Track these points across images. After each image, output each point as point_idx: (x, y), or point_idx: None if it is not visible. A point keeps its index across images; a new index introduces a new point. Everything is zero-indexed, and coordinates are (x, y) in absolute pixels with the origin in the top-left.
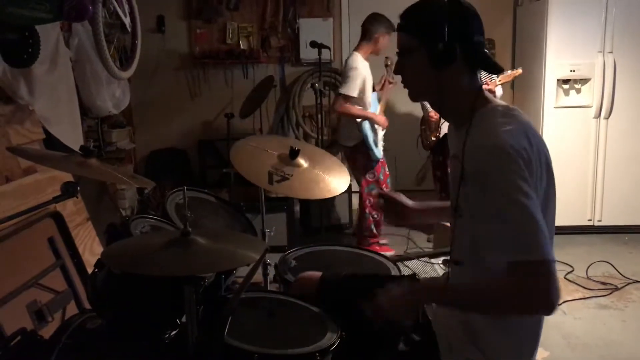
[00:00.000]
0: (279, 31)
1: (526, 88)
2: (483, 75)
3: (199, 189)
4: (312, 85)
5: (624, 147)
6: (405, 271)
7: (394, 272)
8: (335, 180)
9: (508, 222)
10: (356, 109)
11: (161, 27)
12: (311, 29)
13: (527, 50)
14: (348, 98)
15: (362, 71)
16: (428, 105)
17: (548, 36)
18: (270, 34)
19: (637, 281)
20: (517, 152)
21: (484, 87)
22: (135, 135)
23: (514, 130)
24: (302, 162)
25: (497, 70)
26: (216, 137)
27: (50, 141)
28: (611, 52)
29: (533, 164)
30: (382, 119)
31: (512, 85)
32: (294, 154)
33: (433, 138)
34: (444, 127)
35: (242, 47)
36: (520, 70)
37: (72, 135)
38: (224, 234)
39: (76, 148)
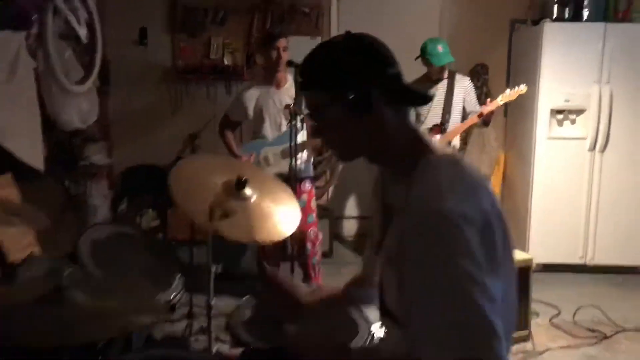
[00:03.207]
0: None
1: (519, 117)
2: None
3: (125, 223)
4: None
5: (619, 182)
6: None
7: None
8: (285, 218)
9: (446, 311)
10: (227, 136)
11: (143, 39)
12: (298, 47)
13: (522, 77)
14: (226, 118)
15: (249, 97)
16: None
17: (542, 64)
18: (256, 51)
19: (628, 329)
20: (466, 221)
21: (482, 107)
22: (112, 150)
23: (462, 191)
24: (250, 193)
25: (425, 100)
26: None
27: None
28: (608, 83)
29: (486, 231)
30: (241, 158)
31: (504, 112)
32: (241, 184)
33: None
34: None
35: (226, 62)
36: (524, 88)
37: (30, 150)
38: (115, 288)
39: (35, 164)
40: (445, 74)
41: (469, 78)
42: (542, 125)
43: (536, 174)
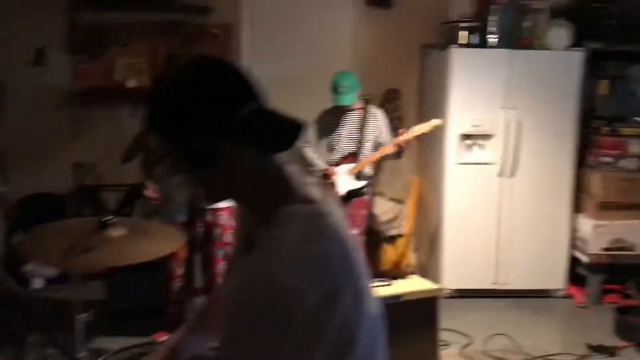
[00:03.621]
0: None
1: (431, 142)
2: None
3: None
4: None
5: (528, 206)
6: None
7: None
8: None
9: None
10: None
11: (41, 60)
12: None
13: (432, 102)
14: None
15: None
16: (318, 161)
17: (451, 89)
18: None
19: (536, 357)
20: (303, 295)
21: (396, 140)
22: (7, 178)
23: (309, 257)
24: (116, 232)
25: (290, 142)
26: (98, 182)
27: None
28: (515, 109)
29: (331, 299)
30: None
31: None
32: (103, 225)
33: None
34: (345, 183)
35: (131, 84)
36: (439, 121)
37: None
38: None
39: None
40: (358, 105)
41: (382, 110)
42: (452, 151)
43: (448, 199)
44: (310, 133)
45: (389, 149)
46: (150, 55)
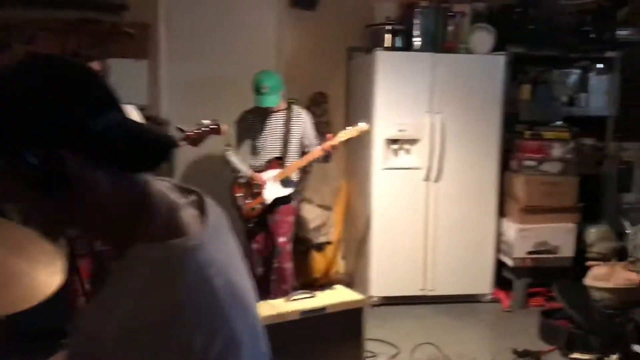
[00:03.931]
0: None
1: (358, 147)
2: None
3: None
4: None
5: (455, 211)
6: None
7: None
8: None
9: None
10: None
11: None
12: (122, 70)
13: (359, 106)
14: None
15: None
16: (243, 167)
17: (376, 93)
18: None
19: None
20: None
21: (323, 145)
22: None
23: (158, 309)
24: None
25: (150, 162)
26: None
27: None
28: (439, 113)
29: None
30: None
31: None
32: None
33: (258, 205)
34: (272, 190)
35: None
36: (366, 126)
37: None
38: None
39: None
40: (282, 106)
41: (306, 111)
42: (378, 156)
43: (374, 205)
44: (232, 136)
45: (316, 153)
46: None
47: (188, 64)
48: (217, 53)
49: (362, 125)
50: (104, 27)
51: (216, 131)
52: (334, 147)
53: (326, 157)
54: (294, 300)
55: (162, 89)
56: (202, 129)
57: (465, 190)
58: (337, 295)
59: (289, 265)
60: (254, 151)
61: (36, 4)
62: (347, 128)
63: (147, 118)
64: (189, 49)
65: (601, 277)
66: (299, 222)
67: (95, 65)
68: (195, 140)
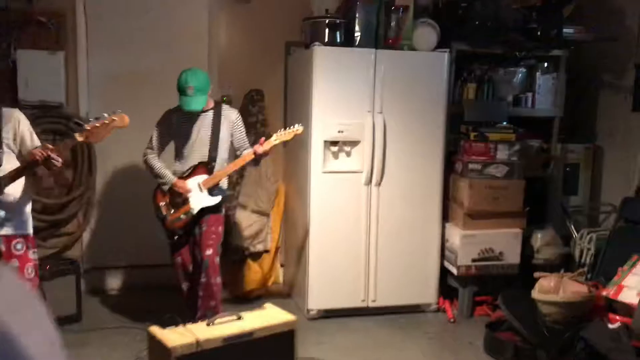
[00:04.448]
0: None
1: (296, 148)
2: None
3: None
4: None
5: (397, 217)
6: None
7: None
8: None
9: None
10: None
11: None
12: (34, 63)
13: (297, 105)
14: None
15: None
16: (167, 172)
17: (314, 91)
18: None
19: None
20: None
21: (256, 147)
22: None
23: None
24: None
25: None
26: None
27: None
28: (381, 113)
29: None
30: None
31: (284, 144)
32: None
33: (183, 216)
34: (198, 199)
35: None
36: (300, 129)
37: None
38: None
39: None
40: (209, 105)
41: (236, 111)
42: (317, 158)
43: (313, 210)
44: (154, 138)
45: (247, 158)
46: None
47: (109, 56)
48: (143, 44)
49: (296, 128)
50: (12, 15)
51: (117, 123)
52: (265, 151)
53: (257, 161)
54: (217, 324)
55: (81, 83)
56: (103, 121)
57: (408, 195)
58: (267, 317)
59: (217, 280)
60: (179, 155)
61: None
62: (280, 131)
63: (63, 117)
64: (111, 40)
65: (549, 290)
66: (233, 230)
67: None
68: (94, 134)
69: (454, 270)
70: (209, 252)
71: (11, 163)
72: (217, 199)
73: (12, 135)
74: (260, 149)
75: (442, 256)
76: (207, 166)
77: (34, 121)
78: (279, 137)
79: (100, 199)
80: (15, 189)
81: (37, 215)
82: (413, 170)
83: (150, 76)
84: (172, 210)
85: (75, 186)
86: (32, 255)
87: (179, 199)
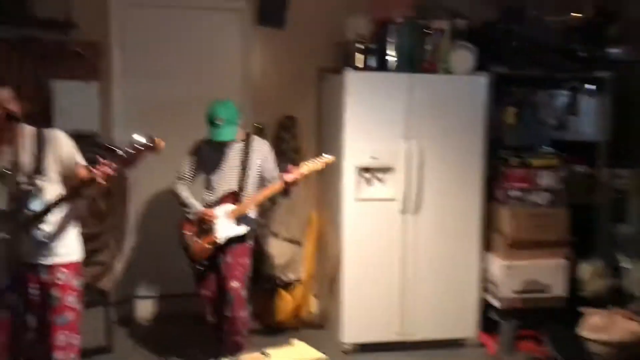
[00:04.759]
0: (26, 95)
1: (329, 176)
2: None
3: None
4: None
5: (435, 246)
6: None
7: None
8: None
9: None
10: None
11: None
12: (69, 93)
13: (330, 131)
14: None
15: None
16: (193, 202)
17: (346, 117)
18: (17, 98)
19: None
20: None
21: (285, 175)
22: None
23: None
24: None
25: None
26: None
27: None
28: (416, 139)
29: None
30: None
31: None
32: None
33: (209, 245)
34: (225, 228)
35: None
36: (331, 158)
37: None
38: None
39: None
40: (240, 137)
41: (266, 142)
42: (349, 185)
43: (346, 239)
44: (184, 168)
45: (275, 188)
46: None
47: (143, 85)
48: (176, 74)
49: (326, 157)
50: (50, 47)
51: (151, 149)
52: (295, 181)
53: (286, 192)
54: None
55: (115, 113)
56: (136, 146)
57: (445, 223)
58: (294, 354)
59: (243, 313)
60: (209, 185)
61: None
62: (310, 160)
63: (98, 145)
64: (145, 70)
65: (599, 328)
66: (264, 258)
67: (3, 93)
68: (128, 161)
69: (496, 303)
70: (235, 284)
71: (53, 189)
72: (243, 229)
73: (54, 159)
74: (288, 177)
75: (483, 288)
76: (235, 196)
77: None
78: (308, 166)
79: (132, 228)
80: (60, 218)
81: None
82: (451, 198)
83: (183, 105)
84: (198, 240)
85: (108, 215)
86: (76, 283)
87: (205, 228)
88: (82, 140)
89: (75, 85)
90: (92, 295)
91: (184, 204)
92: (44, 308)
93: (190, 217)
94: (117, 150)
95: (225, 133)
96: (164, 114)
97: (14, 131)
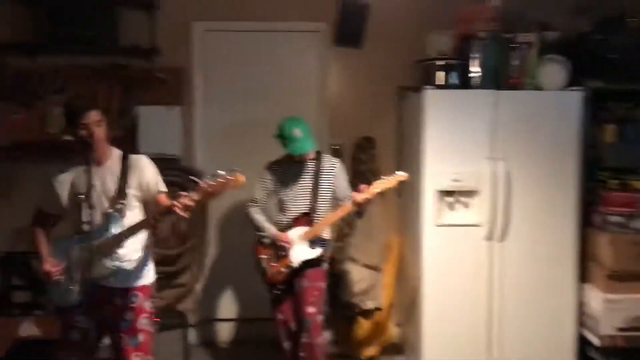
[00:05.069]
0: (113, 120)
1: (409, 199)
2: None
3: None
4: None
5: (524, 277)
6: None
7: None
8: None
9: None
10: (38, 235)
11: None
12: (153, 118)
13: (409, 153)
14: (39, 212)
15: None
16: (267, 225)
17: (425, 137)
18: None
19: None
20: None
21: (355, 194)
22: None
23: None
24: None
25: None
26: (29, 249)
27: None
28: (503, 160)
29: None
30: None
31: (399, 193)
32: None
33: (284, 269)
34: (299, 251)
35: (66, 137)
36: (404, 175)
37: None
38: None
39: None
40: (311, 155)
41: (339, 160)
42: (429, 210)
43: (426, 266)
44: (257, 192)
45: (347, 208)
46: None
47: (224, 109)
48: (255, 97)
49: (400, 175)
50: (135, 73)
51: (232, 183)
52: (367, 200)
53: (359, 213)
54: None
55: (197, 137)
56: (219, 180)
57: (536, 251)
58: None
59: (320, 340)
60: (281, 207)
61: (66, 50)
62: (382, 178)
63: (180, 169)
64: (225, 94)
65: None
66: (342, 285)
67: (91, 117)
68: (209, 193)
69: (595, 341)
70: (311, 309)
71: (133, 214)
72: (316, 252)
73: (137, 184)
74: (358, 197)
75: (579, 322)
76: (308, 218)
77: None
78: (380, 184)
79: (212, 249)
80: (137, 242)
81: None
82: (542, 224)
83: (261, 128)
84: (273, 264)
85: (189, 237)
86: (148, 306)
87: (279, 252)
88: (165, 163)
89: (158, 110)
90: (171, 318)
91: (258, 228)
92: (117, 330)
93: (266, 241)
94: (200, 182)
95: (306, 146)
96: (243, 136)
97: (100, 153)
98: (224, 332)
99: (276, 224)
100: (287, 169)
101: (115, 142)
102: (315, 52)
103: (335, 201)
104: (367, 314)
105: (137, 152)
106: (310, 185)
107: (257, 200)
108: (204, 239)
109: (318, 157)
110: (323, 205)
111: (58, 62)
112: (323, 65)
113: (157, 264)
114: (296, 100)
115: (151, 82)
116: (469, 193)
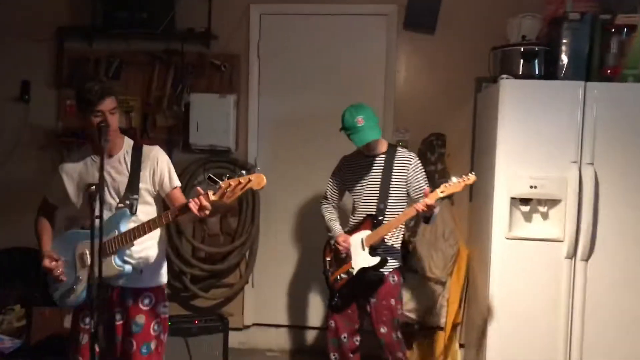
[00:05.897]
0: (164, 107)
1: (481, 206)
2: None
3: None
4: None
5: (613, 303)
6: None
7: None
8: None
9: None
10: (40, 225)
11: (25, 95)
12: (205, 107)
13: (483, 153)
14: (44, 201)
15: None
16: (334, 225)
17: (499, 135)
18: (156, 111)
19: None
20: None
21: (416, 204)
22: None
23: None
24: None
25: None
26: None
27: None
28: (591, 164)
29: None
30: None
31: (469, 196)
32: None
33: (344, 275)
34: (359, 260)
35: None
36: (472, 178)
37: None
38: None
39: None
40: (382, 148)
41: (414, 154)
42: (501, 220)
43: (494, 283)
44: (327, 188)
45: (409, 213)
46: (142, 91)
47: (281, 99)
48: (315, 87)
49: (466, 177)
50: (190, 59)
51: (252, 183)
52: (430, 206)
53: (426, 218)
54: None
55: (250, 128)
56: (238, 180)
57: (630, 273)
58: None
59: (400, 354)
60: (353, 206)
61: (122, 36)
62: (449, 181)
63: (231, 162)
64: (282, 83)
65: None
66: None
67: (107, 104)
68: (227, 195)
69: None
70: (383, 330)
71: (145, 210)
72: (375, 260)
73: (150, 178)
74: (419, 205)
75: None
76: (373, 220)
77: (202, 166)
78: (446, 189)
79: (262, 249)
80: (149, 240)
81: (198, 264)
82: (636, 241)
83: (321, 120)
84: (334, 268)
85: (238, 235)
86: (162, 309)
87: (341, 255)
88: (217, 155)
89: (211, 98)
90: (210, 321)
91: (326, 227)
92: (127, 334)
93: (332, 242)
94: (219, 182)
95: (370, 132)
96: (301, 129)
97: (112, 143)
98: (272, 338)
99: (349, 225)
100: (358, 164)
101: (164, 131)
102: (382, 37)
103: (412, 202)
104: (427, 332)
105: (187, 142)
106: (379, 183)
107: (328, 197)
108: (253, 237)
109: (390, 151)
110: (393, 206)
111: (113, 48)
112: (390, 52)
113: (204, 261)
114: (359, 91)
115: (206, 68)
116: (549, 202)
